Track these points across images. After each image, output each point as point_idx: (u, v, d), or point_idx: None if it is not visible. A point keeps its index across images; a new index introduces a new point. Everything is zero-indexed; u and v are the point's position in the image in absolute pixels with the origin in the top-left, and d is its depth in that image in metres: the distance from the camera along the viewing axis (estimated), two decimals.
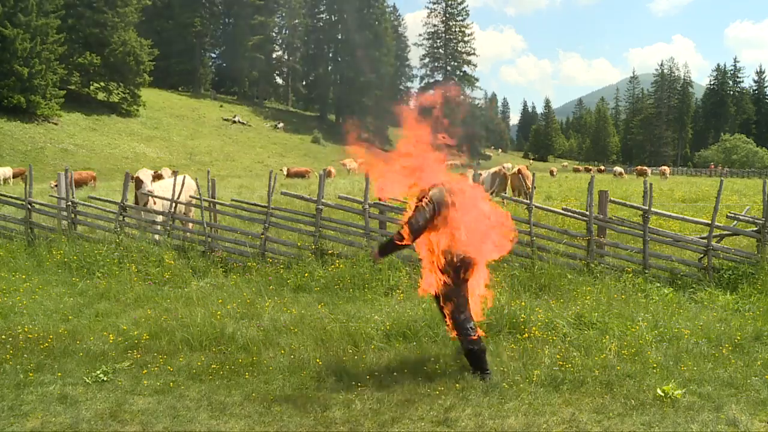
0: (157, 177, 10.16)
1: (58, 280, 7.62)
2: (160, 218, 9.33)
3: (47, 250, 8.66)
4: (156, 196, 9.34)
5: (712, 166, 62.09)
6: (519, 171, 16.55)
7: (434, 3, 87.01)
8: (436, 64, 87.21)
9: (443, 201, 4.31)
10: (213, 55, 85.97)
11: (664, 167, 47.35)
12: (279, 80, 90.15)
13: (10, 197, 10.47)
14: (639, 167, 48.45)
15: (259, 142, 58.96)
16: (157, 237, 8.99)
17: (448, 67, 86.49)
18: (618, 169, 46.36)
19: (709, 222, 7.75)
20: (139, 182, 9.43)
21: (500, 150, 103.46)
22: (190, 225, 9.48)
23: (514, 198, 9.26)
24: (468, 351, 4.51)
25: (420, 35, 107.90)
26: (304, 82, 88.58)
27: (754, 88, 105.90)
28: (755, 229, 7.91)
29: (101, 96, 52.54)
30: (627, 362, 4.87)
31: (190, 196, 9.72)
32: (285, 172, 31.61)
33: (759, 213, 8.49)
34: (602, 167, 69.95)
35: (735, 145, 75.64)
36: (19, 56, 39.88)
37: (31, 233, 9.70)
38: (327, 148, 66.45)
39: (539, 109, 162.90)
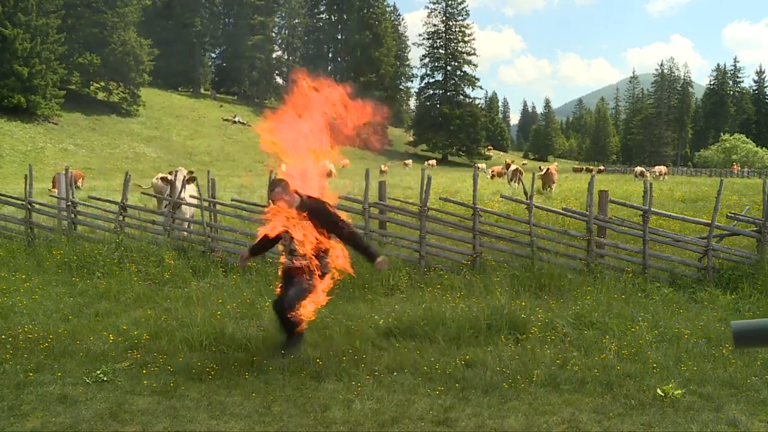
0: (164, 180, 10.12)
1: (58, 280, 7.62)
2: (185, 224, 9.39)
3: (47, 250, 8.66)
4: (189, 204, 9.37)
5: (735, 167, 61.86)
6: (548, 170, 22.45)
7: (434, 3, 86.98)
8: (436, 64, 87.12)
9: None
10: (213, 55, 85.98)
11: (660, 167, 44.28)
12: (279, 80, 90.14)
13: (10, 197, 10.47)
14: (659, 167, 47.12)
15: (259, 142, 58.92)
16: (160, 237, 8.99)
17: (448, 67, 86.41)
18: (639, 169, 43.00)
19: (709, 222, 7.75)
20: (172, 185, 9.47)
21: (501, 153, 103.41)
22: (188, 224, 9.48)
23: (514, 198, 9.26)
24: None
25: (420, 35, 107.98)
26: None
27: (754, 88, 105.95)
28: (755, 229, 7.91)
29: (101, 96, 52.53)
30: (627, 362, 4.87)
31: (191, 196, 9.72)
32: (284, 170, 31.65)
33: (759, 213, 8.49)
34: (602, 167, 69.89)
35: (735, 145, 75.64)
36: (19, 56, 39.89)
37: (31, 233, 9.70)
38: None
39: (539, 109, 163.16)
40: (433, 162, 59.65)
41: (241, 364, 4.82)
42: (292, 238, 4.84)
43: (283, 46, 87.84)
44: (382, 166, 42.45)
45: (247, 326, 5.67)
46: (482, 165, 43.47)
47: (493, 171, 35.26)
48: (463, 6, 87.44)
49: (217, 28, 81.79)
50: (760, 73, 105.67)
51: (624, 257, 7.84)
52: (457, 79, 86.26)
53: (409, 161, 63.57)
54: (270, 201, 4.83)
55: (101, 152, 41.91)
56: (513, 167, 26.74)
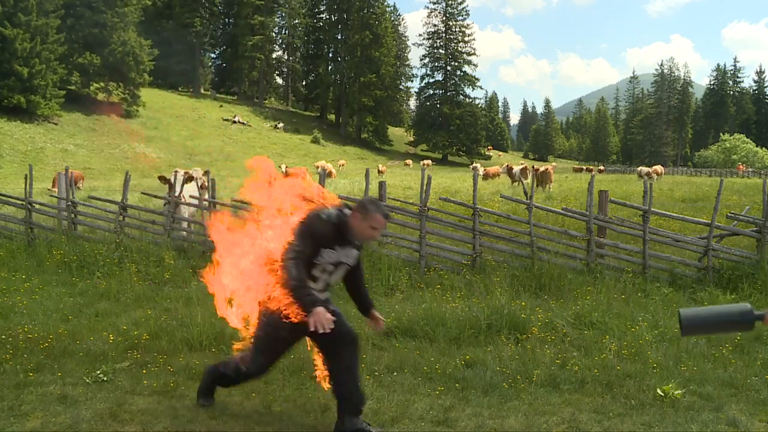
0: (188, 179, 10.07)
1: (58, 280, 7.62)
2: (185, 224, 9.42)
3: (47, 250, 8.66)
4: (188, 203, 9.40)
5: (741, 167, 61.97)
6: (546, 169, 24.17)
7: (434, 3, 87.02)
8: (436, 64, 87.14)
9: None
10: (213, 55, 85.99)
11: (657, 167, 41.59)
12: (279, 80, 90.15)
13: (10, 197, 10.48)
14: (656, 167, 46.00)
15: (259, 142, 58.96)
16: (160, 238, 8.98)
17: (448, 67, 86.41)
18: (645, 169, 40.47)
19: (709, 222, 7.75)
20: (171, 186, 9.51)
21: (500, 153, 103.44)
22: (188, 225, 9.48)
23: (514, 198, 9.26)
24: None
25: (420, 35, 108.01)
26: (304, 82, 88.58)
27: (754, 88, 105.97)
28: (755, 229, 7.91)
29: (101, 96, 52.51)
30: (627, 362, 4.87)
31: (191, 196, 9.73)
32: (284, 170, 31.68)
33: (759, 213, 8.49)
34: (602, 167, 69.94)
35: (735, 145, 75.63)
36: (19, 56, 39.86)
37: (31, 233, 9.70)
38: (327, 148, 66.45)
39: (539, 109, 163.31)
40: (429, 162, 59.52)
41: None
42: (338, 266, 3.63)
43: (283, 46, 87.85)
44: (380, 166, 42.48)
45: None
46: (477, 165, 43.39)
47: (486, 171, 33.97)
48: (463, 6, 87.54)
49: (217, 28, 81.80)
50: (760, 73, 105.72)
51: (624, 257, 7.84)
52: (457, 79, 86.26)
53: (410, 161, 63.67)
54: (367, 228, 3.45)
55: (101, 152, 41.89)
56: (521, 166, 27.64)
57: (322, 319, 3.17)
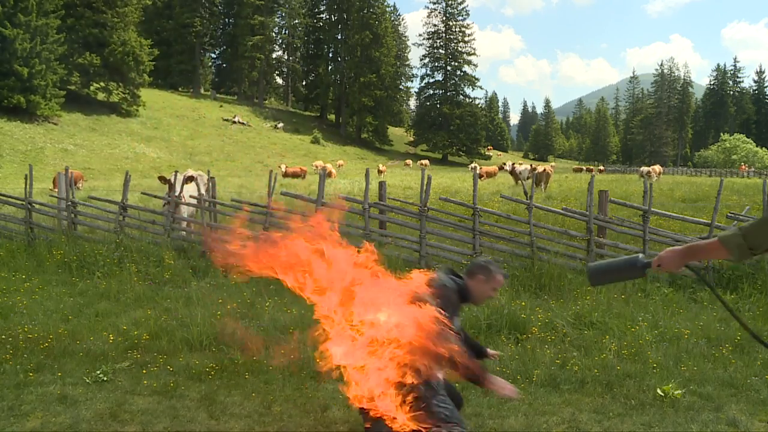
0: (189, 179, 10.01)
1: (58, 280, 7.62)
2: (184, 224, 9.41)
3: (47, 250, 8.66)
4: (186, 203, 9.40)
5: (743, 167, 61.87)
6: (544, 169, 24.50)
7: (434, 3, 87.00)
8: (436, 64, 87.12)
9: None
10: (213, 55, 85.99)
11: (655, 167, 39.15)
12: (279, 80, 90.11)
13: (10, 197, 10.48)
14: (653, 167, 45.05)
15: (259, 142, 58.93)
16: (160, 238, 8.98)
17: (448, 67, 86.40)
18: (645, 169, 37.85)
19: (709, 222, 7.75)
20: (171, 186, 9.52)
21: (500, 153, 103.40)
22: (188, 225, 9.48)
23: (514, 198, 9.26)
24: None
25: (420, 35, 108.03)
26: (304, 82, 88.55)
27: (754, 88, 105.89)
28: None
29: (101, 96, 52.50)
30: (627, 362, 4.87)
31: (190, 196, 9.73)
32: (283, 170, 31.66)
33: (759, 213, 8.49)
34: (602, 167, 69.95)
35: (735, 145, 75.60)
36: (19, 56, 39.81)
37: (31, 233, 9.70)
38: (327, 148, 66.43)
39: (539, 109, 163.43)
40: (426, 162, 59.40)
41: (241, 364, 4.82)
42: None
43: (283, 46, 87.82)
44: (381, 166, 42.44)
45: (247, 326, 5.67)
46: (475, 165, 43.36)
47: (482, 171, 33.50)
48: (463, 6, 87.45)
49: (217, 28, 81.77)
50: (760, 73, 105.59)
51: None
52: (457, 79, 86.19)
53: (410, 161, 63.66)
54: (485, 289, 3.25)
55: (101, 152, 41.85)
56: (525, 166, 28.17)
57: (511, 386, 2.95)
